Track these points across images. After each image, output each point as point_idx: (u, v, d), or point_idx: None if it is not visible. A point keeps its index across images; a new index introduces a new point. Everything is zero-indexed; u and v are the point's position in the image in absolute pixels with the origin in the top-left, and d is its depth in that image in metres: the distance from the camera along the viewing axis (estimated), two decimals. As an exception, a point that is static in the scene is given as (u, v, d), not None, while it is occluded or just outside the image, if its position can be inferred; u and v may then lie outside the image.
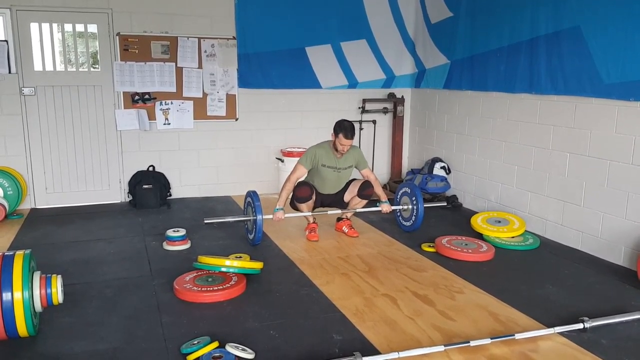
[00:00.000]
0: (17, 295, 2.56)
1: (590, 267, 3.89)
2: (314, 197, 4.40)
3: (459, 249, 4.04)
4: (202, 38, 5.57)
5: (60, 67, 5.29)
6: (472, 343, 2.66)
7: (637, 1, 3.63)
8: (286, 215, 4.32)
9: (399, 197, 4.85)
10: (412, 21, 6.22)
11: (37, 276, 2.73)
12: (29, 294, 2.60)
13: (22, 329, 2.62)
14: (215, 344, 2.60)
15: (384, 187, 6.18)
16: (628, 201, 3.82)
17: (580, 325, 2.84)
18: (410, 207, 4.64)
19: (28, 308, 2.59)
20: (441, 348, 2.62)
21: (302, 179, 4.44)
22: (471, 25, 5.29)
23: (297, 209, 4.50)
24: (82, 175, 5.50)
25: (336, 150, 4.32)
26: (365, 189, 4.44)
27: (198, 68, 5.62)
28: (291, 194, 4.38)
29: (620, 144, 3.85)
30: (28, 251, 2.76)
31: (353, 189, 4.52)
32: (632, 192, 3.79)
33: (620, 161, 3.86)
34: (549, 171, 4.49)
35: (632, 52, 3.69)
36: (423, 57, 6.15)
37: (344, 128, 4.23)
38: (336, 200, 4.61)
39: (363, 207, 4.60)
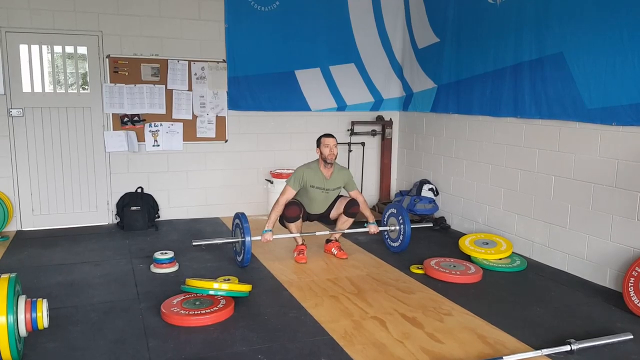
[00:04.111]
0: (2, 319, 2.52)
1: (576, 288, 3.92)
2: (302, 217, 4.43)
3: (447, 271, 4.06)
4: (192, 61, 5.62)
5: (49, 88, 5.29)
6: (461, 366, 2.66)
7: (617, 28, 3.74)
8: (275, 236, 4.32)
9: (386, 218, 4.87)
10: (400, 46, 6.34)
11: (22, 300, 2.70)
12: (13, 319, 2.56)
13: (6, 354, 2.57)
14: (202, 369, 2.57)
15: (373, 208, 6.21)
16: (612, 223, 3.88)
17: (567, 347, 2.85)
18: (397, 228, 4.66)
19: (12, 333, 2.55)
20: (430, 371, 2.62)
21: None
22: (457, 51, 5.40)
23: (286, 227, 4.51)
24: (70, 197, 5.47)
25: (325, 161, 4.38)
26: (351, 207, 4.47)
27: (188, 90, 5.65)
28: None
29: (604, 167, 3.92)
30: (13, 275, 2.73)
31: (339, 207, 4.55)
32: (616, 215, 3.85)
33: (604, 184, 3.93)
34: (534, 193, 4.55)
35: (613, 77, 3.79)
36: (410, 81, 6.25)
37: (322, 135, 4.45)
38: (323, 216, 4.64)
39: (351, 228, 4.62)
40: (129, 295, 3.65)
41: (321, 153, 4.40)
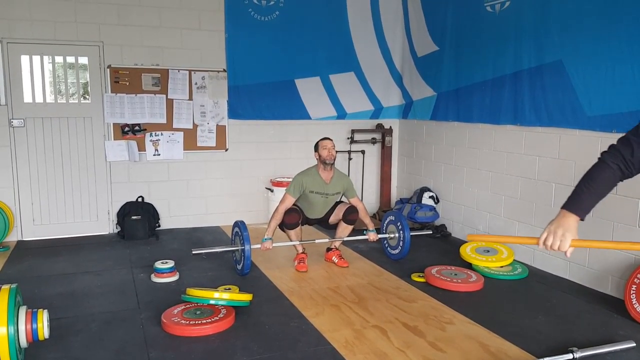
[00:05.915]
0: (2, 330, 2.51)
1: (578, 296, 3.91)
2: (301, 223, 4.45)
3: (448, 279, 4.05)
4: (193, 70, 5.65)
5: (50, 98, 5.31)
6: (463, 375, 2.65)
7: (616, 36, 3.76)
8: (274, 244, 4.32)
9: (385, 226, 4.87)
10: (399, 54, 6.37)
11: (22, 311, 2.69)
12: (14, 330, 2.55)
13: (6, 365, 2.57)
14: (203, 379, 2.56)
15: (373, 216, 6.21)
16: (613, 231, 3.87)
17: (569, 356, 2.84)
18: (396, 235, 4.66)
19: (13, 344, 2.54)
20: (432, 381, 2.60)
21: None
22: (456, 59, 5.42)
23: (286, 233, 4.52)
24: (70, 207, 5.47)
25: (324, 163, 4.40)
26: (350, 214, 4.47)
27: (188, 100, 5.67)
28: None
29: (604, 174, 3.92)
30: (14, 285, 2.72)
31: (338, 213, 4.55)
32: (617, 222, 3.84)
33: (605, 191, 3.92)
34: (535, 201, 4.55)
35: (612, 85, 3.80)
36: (410, 89, 6.27)
37: (320, 139, 4.50)
38: (322, 220, 4.65)
39: (350, 236, 4.61)
40: (130, 305, 3.64)
41: (320, 156, 4.42)
